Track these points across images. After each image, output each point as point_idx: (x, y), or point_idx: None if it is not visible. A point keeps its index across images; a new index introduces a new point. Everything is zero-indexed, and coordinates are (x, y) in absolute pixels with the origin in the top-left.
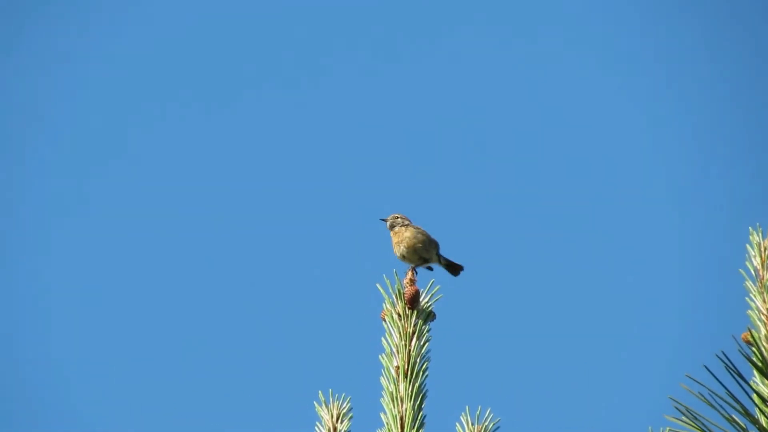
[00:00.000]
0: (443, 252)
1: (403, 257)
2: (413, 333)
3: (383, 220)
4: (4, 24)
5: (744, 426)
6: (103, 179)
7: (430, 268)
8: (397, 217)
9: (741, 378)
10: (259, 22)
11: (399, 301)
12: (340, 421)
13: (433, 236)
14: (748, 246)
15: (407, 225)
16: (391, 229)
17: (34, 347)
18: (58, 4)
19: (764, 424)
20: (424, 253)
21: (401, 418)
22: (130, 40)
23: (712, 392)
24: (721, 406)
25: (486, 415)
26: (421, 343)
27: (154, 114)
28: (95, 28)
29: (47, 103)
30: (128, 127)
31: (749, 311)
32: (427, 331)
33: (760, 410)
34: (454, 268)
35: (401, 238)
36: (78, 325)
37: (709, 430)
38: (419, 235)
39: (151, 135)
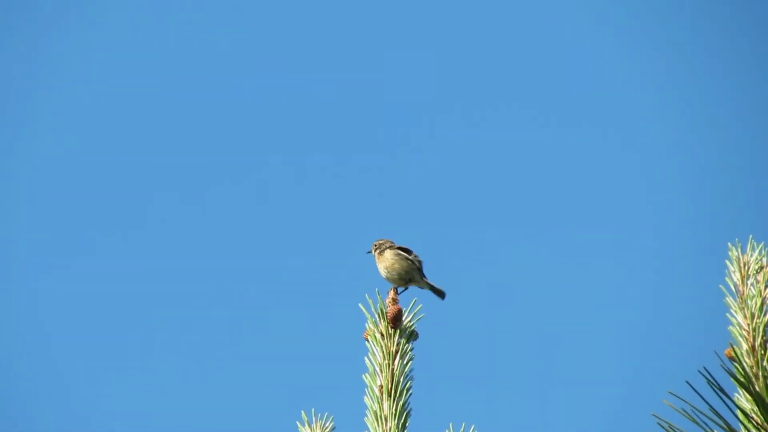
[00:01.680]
0: (428, 275)
1: (388, 279)
2: (396, 352)
3: (369, 252)
4: None
5: None
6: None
7: (406, 288)
8: (381, 243)
9: (723, 393)
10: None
11: (382, 321)
12: None
13: (418, 255)
14: (727, 261)
15: (389, 248)
16: (378, 254)
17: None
18: None
19: None
20: (405, 275)
21: None
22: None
23: (695, 408)
24: (704, 422)
25: None
26: (404, 362)
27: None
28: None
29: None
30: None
31: (730, 327)
32: (410, 350)
33: (743, 425)
34: (437, 293)
35: (383, 262)
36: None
37: None
38: (397, 257)
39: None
